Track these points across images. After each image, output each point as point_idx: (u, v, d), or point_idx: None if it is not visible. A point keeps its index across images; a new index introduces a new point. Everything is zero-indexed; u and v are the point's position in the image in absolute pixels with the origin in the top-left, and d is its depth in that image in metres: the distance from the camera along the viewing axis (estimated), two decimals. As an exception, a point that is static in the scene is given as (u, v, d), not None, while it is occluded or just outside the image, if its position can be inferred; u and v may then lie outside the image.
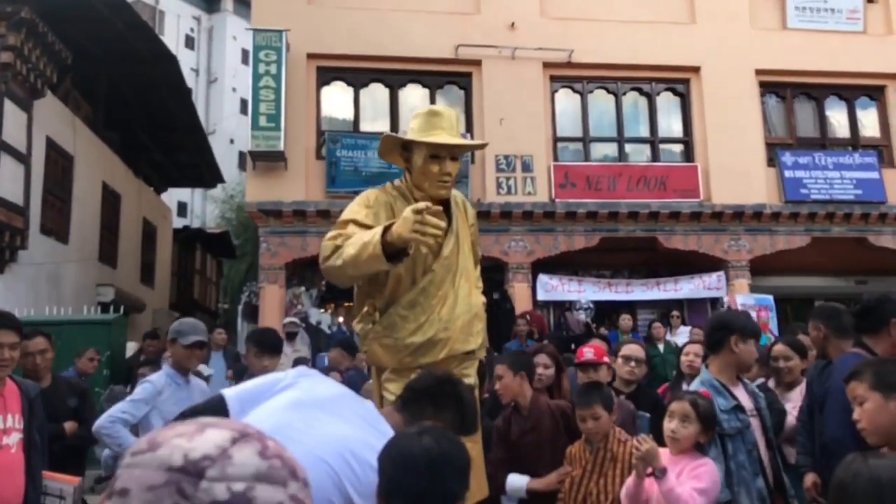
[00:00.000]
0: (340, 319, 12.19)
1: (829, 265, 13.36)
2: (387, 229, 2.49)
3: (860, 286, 13.98)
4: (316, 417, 1.80)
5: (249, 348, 4.25)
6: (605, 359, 4.36)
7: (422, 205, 2.41)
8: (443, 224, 2.44)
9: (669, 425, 2.99)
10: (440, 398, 2.00)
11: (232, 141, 29.04)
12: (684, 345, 5.23)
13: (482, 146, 3.38)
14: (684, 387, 4.81)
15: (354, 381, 6.03)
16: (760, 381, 4.64)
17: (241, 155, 29.01)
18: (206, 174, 20.35)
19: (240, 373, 5.96)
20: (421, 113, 2.96)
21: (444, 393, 2.02)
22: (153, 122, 16.93)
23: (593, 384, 3.74)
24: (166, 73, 14.68)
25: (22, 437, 3.13)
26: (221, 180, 21.18)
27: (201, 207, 30.12)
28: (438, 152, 2.85)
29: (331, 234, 2.73)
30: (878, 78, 13.14)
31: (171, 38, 26.81)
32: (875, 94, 13.32)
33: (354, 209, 2.84)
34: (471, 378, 2.98)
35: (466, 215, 3.15)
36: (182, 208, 28.83)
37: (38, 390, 3.48)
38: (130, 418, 3.82)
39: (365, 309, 2.92)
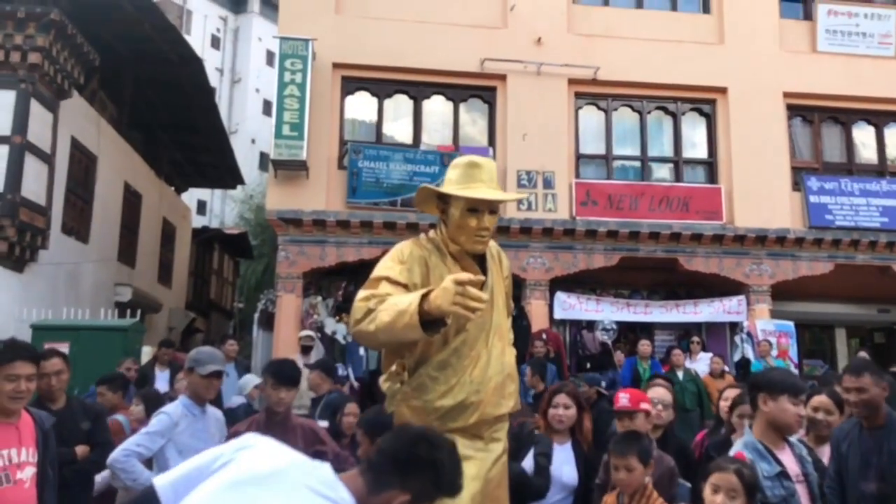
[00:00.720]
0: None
1: (851, 292, 13.16)
2: (424, 296, 2.37)
3: (882, 314, 13.81)
4: (254, 497, 1.66)
5: (266, 379, 4.20)
6: (644, 405, 4.13)
7: (464, 276, 2.28)
8: (485, 297, 2.30)
9: (715, 499, 2.83)
10: (410, 465, 1.82)
11: (253, 141, 29.15)
12: (722, 390, 5.02)
13: (520, 199, 3.23)
14: (722, 433, 4.70)
15: (336, 404, 5.89)
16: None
17: (262, 155, 29.17)
18: (226, 175, 20.41)
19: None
20: (459, 164, 2.85)
21: (417, 458, 1.83)
22: (176, 123, 17.01)
23: (633, 433, 3.62)
24: (191, 75, 14.74)
25: (35, 472, 3.09)
26: (242, 182, 21.24)
27: (220, 207, 30.25)
28: (477, 206, 2.75)
29: (362, 294, 2.59)
30: (908, 104, 12.95)
31: (198, 38, 27.01)
32: (905, 120, 13.12)
33: (388, 265, 2.72)
34: (501, 442, 2.87)
35: (501, 267, 3.04)
36: (201, 207, 28.95)
37: (53, 422, 3.45)
38: (146, 451, 3.77)
39: (393, 367, 2.78)
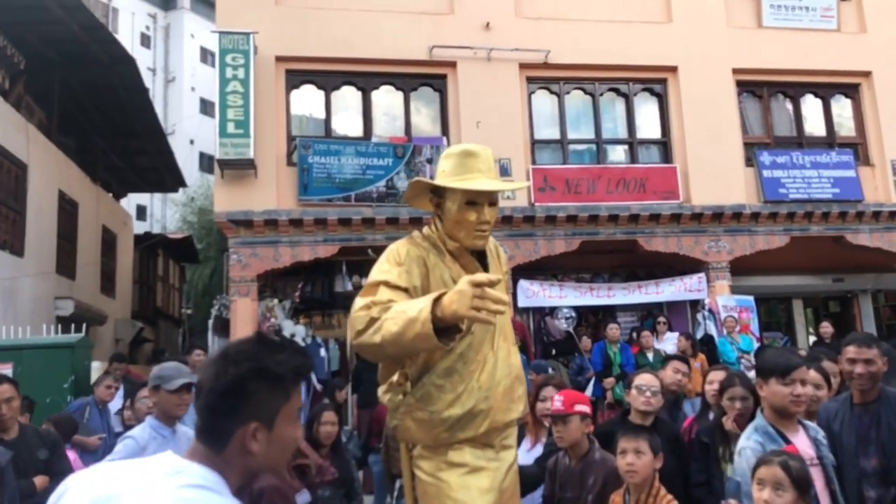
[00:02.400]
0: (313, 331, 11.79)
1: (807, 264, 13.33)
2: (435, 301, 2.11)
3: (837, 283, 14.04)
4: None
5: None
6: (580, 407, 3.74)
7: (482, 276, 2.04)
8: (507, 299, 2.06)
9: (761, 495, 2.66)
10: (231, 396, 1.46)
11: (192, 142, 28.20)
12: (706, 373, 4.89)
13: (523, 187, 2.95)
14: (710, 417, 4.57)
15: None
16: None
17: (202, 156, 28.29)
18: (167, 178, 19.64)
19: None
20: (453, 153, 2.60)
21: (231, 385, 1.45)
22: (111, 126, 16.24)
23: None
24: (124, 76, 14.05)
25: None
26: (184, 184, 20.50)
27: (161, 211, 29.27)
28: (476, 199, 2.50)
29: (361, 301, 2.33)
30: (852, 76, 13.14)
31: (126, 37, 25.91)
32: (850, 91, 13.30)
33: (384, 268, 2.46)
34: (512, 449, 2.65)
35: (500, 262, 2.81)
36: (141, 212, 27.91)
37: (9, 457, 3.08)
38: None
39: (395, 378, 2.53)
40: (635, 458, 3.21)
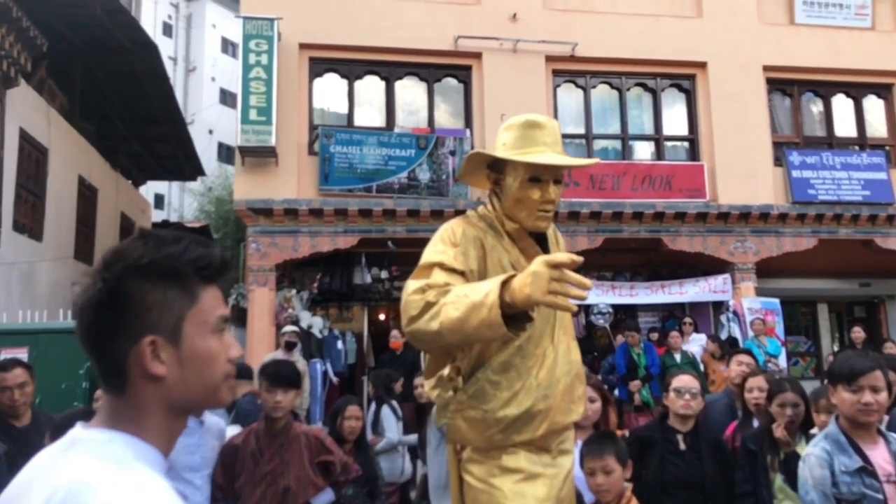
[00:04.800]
0: (330, 324, 11.67)
1: (833, 267, 13.06)
2: (503, 284, 1.90)
3: (864, 288, 13.75)
4: None
5: (261, 382, 3.71)
6: None
7: (562, 256, 1.80)
8: (589, 284, 1.82)
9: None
10: (117, 311, 1.09)
11: (211, 132, 28.17)
12: (744, 379, 4.68)
13: (592, 164, 2.70)
14: (754, 424, 4.35)
15: (248, 410, 5.37)
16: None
17: (221, 146, 28.26)
18: (186, 167, 19.59)
19: None
20: (515, 124, 2.36)
21: (114, 297, 1.08)
22: (131, 113, 16.19)
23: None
24: (146, 62, 13.95)
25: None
26: (202, 173, 20.46)
27: (179, 200, 29.27)
28: (540, 174, 2.27)
29: (414, 284, 2.11)
30: (885, 76, 12.84)
31: (148, 26, 25.87)
32: (883, 92, 13.01)
33: (438, 249, 2.23)
34: (570, 455, 2.44)
35: (560, 249, 2.56)
36: (159, 201, 27.93)
37: (3, 450, 2.93)
38: None
39: (446, 371, 2.30)
40: (605, 478, 3.03)
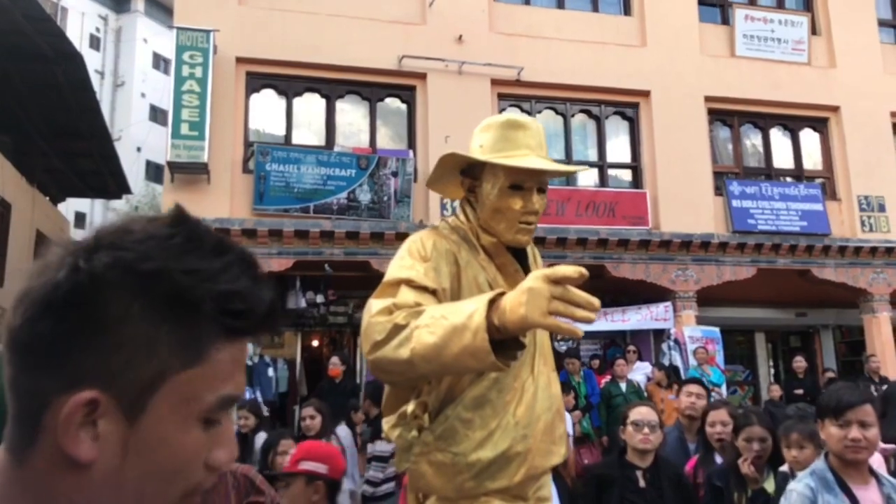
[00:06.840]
0: (261, 350, 11.11)
1: (771, 296, 13.19)
2: (490, 303, 1.55)
3: (800, 318, 13.94)
4: None
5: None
6: (305, 465, 3.07)
7: (567, 269, 1.45)
8: (597, 303, 1.46)
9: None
10: (60, 343, 0.68)
11: (139, 149, 27.13)
12: (705, 411, 4.47)
13: (579, 171, 2.31)
14: (718, 461, 4.13)
15: None
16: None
17: (149, 164, 27.24)
18: (110, 183, 18.69)
19: None
20: (494, 124, 2.03)
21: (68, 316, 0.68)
22: (52, 126, 15.30)
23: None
24: (69, 73, 13.24)
25: None
26: (128, 190, 19.59)
27: (102, 219, 28.03)
28: (523, 181, 1.95)
29: (379, 304, 1.74)
30: (821, 110, 13.14)
31: (74, 37, 24.80)
32: (818, 125, 13.30)
33: (406, 263, 1.89)
34: (549, 502, 2.08)
35: (538, 267, 2.21)
36: (80, 219, 26.65)
37: None
38: None
39: (410, 408, 1.93)
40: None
